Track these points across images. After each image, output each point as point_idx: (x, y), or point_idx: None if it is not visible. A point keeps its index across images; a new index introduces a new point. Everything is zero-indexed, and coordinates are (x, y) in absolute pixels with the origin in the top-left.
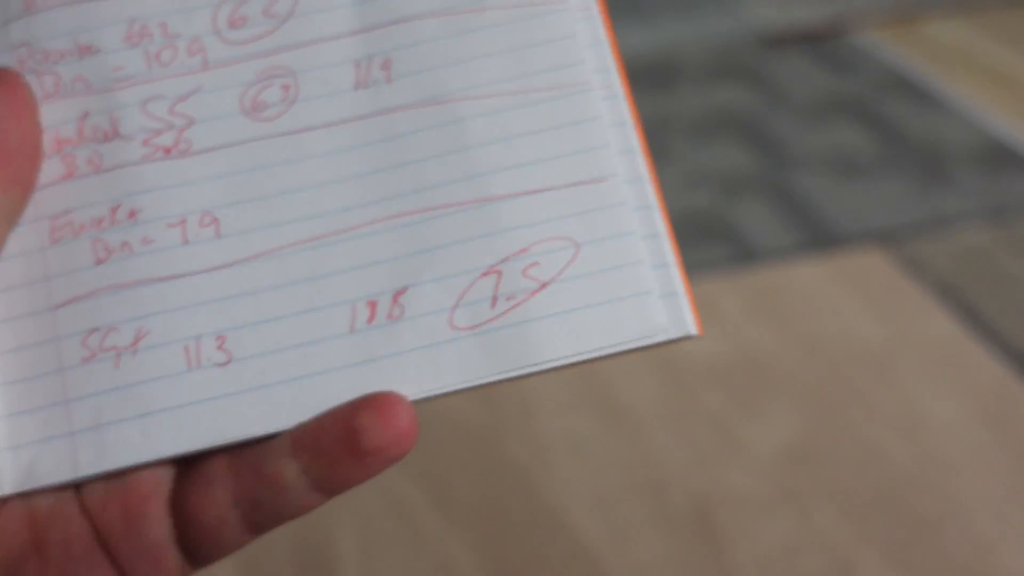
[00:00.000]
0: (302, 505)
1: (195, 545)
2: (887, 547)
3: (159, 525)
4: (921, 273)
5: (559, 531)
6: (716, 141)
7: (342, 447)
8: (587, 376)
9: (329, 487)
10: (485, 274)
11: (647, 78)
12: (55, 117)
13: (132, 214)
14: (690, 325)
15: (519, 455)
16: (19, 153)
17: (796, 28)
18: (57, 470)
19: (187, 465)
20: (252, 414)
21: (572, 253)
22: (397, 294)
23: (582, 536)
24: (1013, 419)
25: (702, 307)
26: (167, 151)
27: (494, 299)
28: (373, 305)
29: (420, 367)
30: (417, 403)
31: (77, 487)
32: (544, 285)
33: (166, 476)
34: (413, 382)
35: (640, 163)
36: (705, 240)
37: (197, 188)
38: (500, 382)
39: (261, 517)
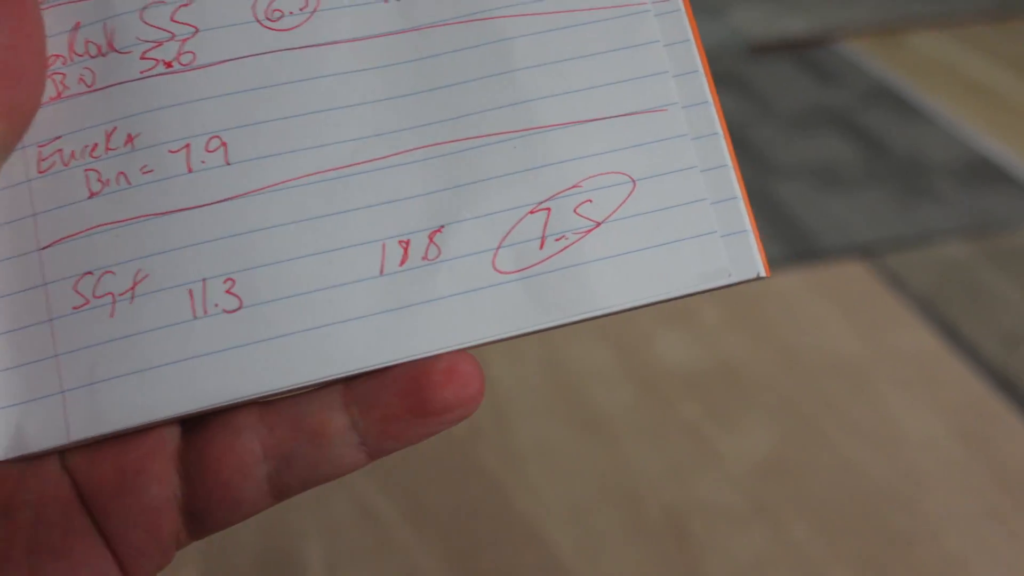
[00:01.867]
0: (343, 464)
1: (205, 507)
2: (860, 562)
3: (162, 483)
4: (901, 286)
5: (531, 542)
6: None
7: (406, 404)
8: (562, 384)
9: (381, 446)
10: (532, 212)
11: None
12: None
13: (129, 139)
14: (758, 265)
15: (491, 464)
16: (26, 75)
17: (783, 37)
18: (47, 434)
19: (207, 415)
20: (268, 367)
21: (628, 189)
22: (433, 233)
23: (554, 547)
24: (989, 436)
25: (680, 315)
26: (168, 65)
27: (542, 239)
28: (406, 245)
29: (459, 314)
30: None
31: None
32: (598, 224)
33: (172, 431)
34: (452, 331)
35: (703, 85)
36: None
37: (203, 108)
38: (548, 330)
39: (292, 476)
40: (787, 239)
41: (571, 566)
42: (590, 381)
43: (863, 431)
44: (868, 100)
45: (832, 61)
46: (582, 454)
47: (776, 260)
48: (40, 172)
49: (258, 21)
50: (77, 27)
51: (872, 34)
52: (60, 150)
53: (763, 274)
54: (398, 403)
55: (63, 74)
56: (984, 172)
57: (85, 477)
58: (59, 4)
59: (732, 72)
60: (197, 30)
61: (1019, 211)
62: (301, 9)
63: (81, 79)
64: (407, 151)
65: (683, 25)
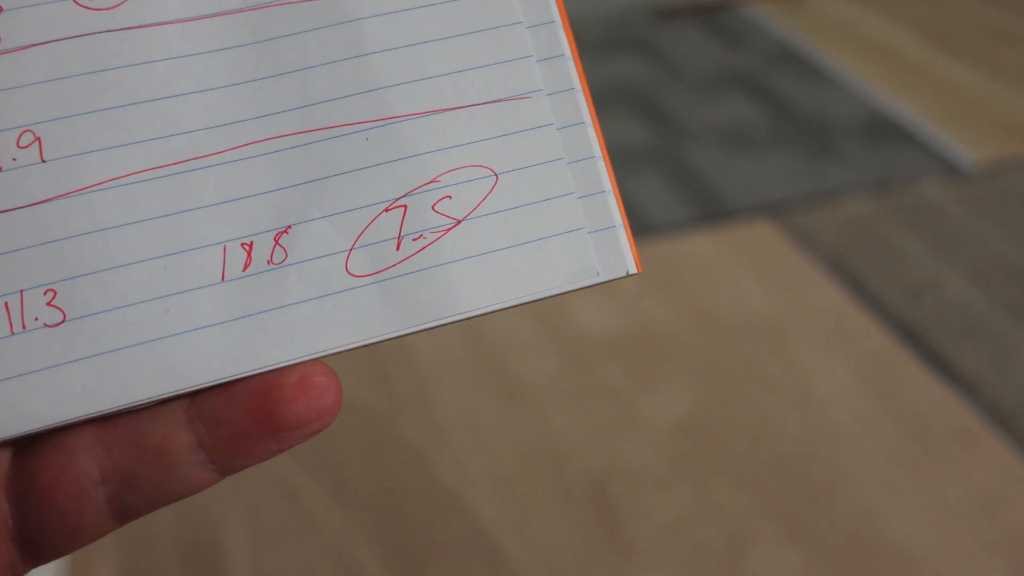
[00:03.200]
0: (189, 483)
1: (41, 535)
2: (780, 517)
3: None
4: (809, 244)
5: (458, 515)
6: (610, 114)
7: (254, 420)
8: (483, 353)
9: (229, 463)
10: (388, 209)
11: None
12: None
13: None
14: (629, 263)
15: (414, 438)
16: None
17: (689, 1)
18: None
19: (39, 435)
20: (98, 385)
21: (490, 184)
22: (279, 234)
23: (481, 519)
24: (897, 387)
25: None
26: None
27: (399, 239)
28: (249, 247)
29: (311, 322)
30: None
31: None
32: (458, 222)
33: (1, 453)
34: (303, 340)
35: (570, 71)
36: None
37: (12, 98)
38: (409, 335)
39: (135, 497)
40: (698, 201)
41: (498, 537)
42: (511, 350)
43: (778, 388)
44: (773, 62)
45: (737, 24)
46: (505, 424)
47: (688, 221)
48: None
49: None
50: None
51: None
52: None
53: (633, 271)
54: (247, 419)
55: None
56: (886, 130)
57: None
58: None
59: (639, 36)
60: (2, 9)
61: (919, 168)
62: None
63: None
64: (249, 144)
65: (548, 5)
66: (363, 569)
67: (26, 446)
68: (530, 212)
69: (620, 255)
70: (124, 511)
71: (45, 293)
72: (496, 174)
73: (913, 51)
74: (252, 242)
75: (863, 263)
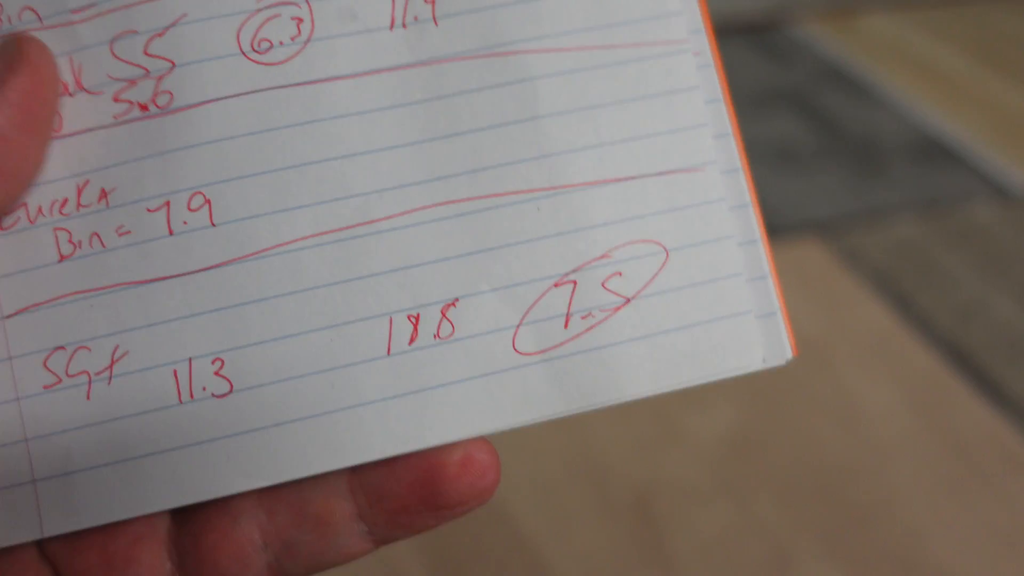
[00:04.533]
0: (347, 552)
1: None
2: (823, 536)
3: (154, 572)
4: (857, 264)
5: (500, 522)
6: None
7: (417, 496)
8: None
9: (387, 535)
10: (557, 284)
11: None
12: None
13: (103, 195)
14: (787, 350)
15: None
16: (28, 142)
17: (737, 19)
18: (17, 528)
19: None
20: (262, 460)
21: (661, 260)
22: (446, 307)
23: (524, 527)
24: (944, 408)
25: None
26: (143, 108)
27: (567, 317)
28: (416, 320)
29: (475, 400)
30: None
31: None
32: (628, 300)
33: (162, 514)
34: (467, 419)
35: (735, 150)
36: None
37: (184, 159)
38: (571, 416)
39: (294, 563)
40: None
41: (541, 545)
42: None
43: (823, 406)
44: (822, 81)
45: (786, 43)
46: (549, 433)
47: None
48: (2, 229)
49: (243, 54)
50: None
51: (824, 15)
52: (24, 204)
53: (791, 357)
54: (409, 495)
55: None
56: (935, 152)
57: (67, 566)
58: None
59: None
60: (174, 65)
61: (968, 189)
62: (292, 39)
63: None
64: (418, 210)
65: (714, 82)
66: (405, 572)
67: (188, 507)
68: (699, 292)
69: (781, 341)
70: (284, 574)
71: (213, 362)
72: (667, 250)
73: (963, 71)
74: (419, 314)
75: (911, 284)
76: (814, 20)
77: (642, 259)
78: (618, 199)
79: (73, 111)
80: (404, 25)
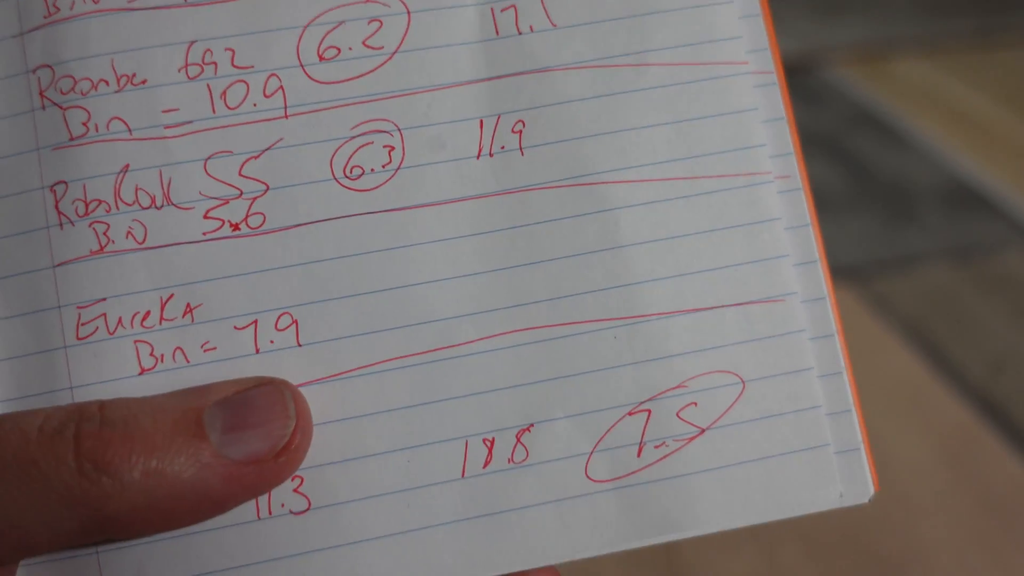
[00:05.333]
0: None
1: None
2: None
3: None
4: (887, 311)
5: None
6: None
7: None
8: None
9: None
10: (632, 413)
11: None
12: (84, 168)
13: (188, 310)
14: (869, 488)
15: None
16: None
17: None
18: None
19: None
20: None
21: (737, 391)
22: (522, 431)
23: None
24: (975, 461)
25: None
26: (235, 227)
27: (640, 445)
28: (491, 444)
29: (546, 528)
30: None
31: None
32: (702, 431)
33: None
34: (538, 546)
35: (821, 279)
36: None
37: (273, 279)
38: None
39: None
40: None
41: None
42: None
43: None
44: (853, 125)
45: (818, 86)
46: None
47: None
48: (79, 339)
49: (336, 179)
50: (126, 170)
51: (857, 60)
52: (104, 315)
53: (873, 495)
54: None
55: (106, 224)
56: (967, 198)
57: None
58: (107, 141)
59: None
60: (268, 188)
61: (1000, 237)
62: (384, 166)
63: (130, 233)
64: (498, 335)
65: (802, 207)
66: None
67: None
68: (775, 424)
69: (863, 478)
70: None
71: (293, 479)
72: (744, 381)
73: (996, 117)
74: (494, 438)
75: (942, 333)
76: (846, 64)
77: (718, 390)
78: (696, 329)
79: (160, 224)
80: (491, 154)
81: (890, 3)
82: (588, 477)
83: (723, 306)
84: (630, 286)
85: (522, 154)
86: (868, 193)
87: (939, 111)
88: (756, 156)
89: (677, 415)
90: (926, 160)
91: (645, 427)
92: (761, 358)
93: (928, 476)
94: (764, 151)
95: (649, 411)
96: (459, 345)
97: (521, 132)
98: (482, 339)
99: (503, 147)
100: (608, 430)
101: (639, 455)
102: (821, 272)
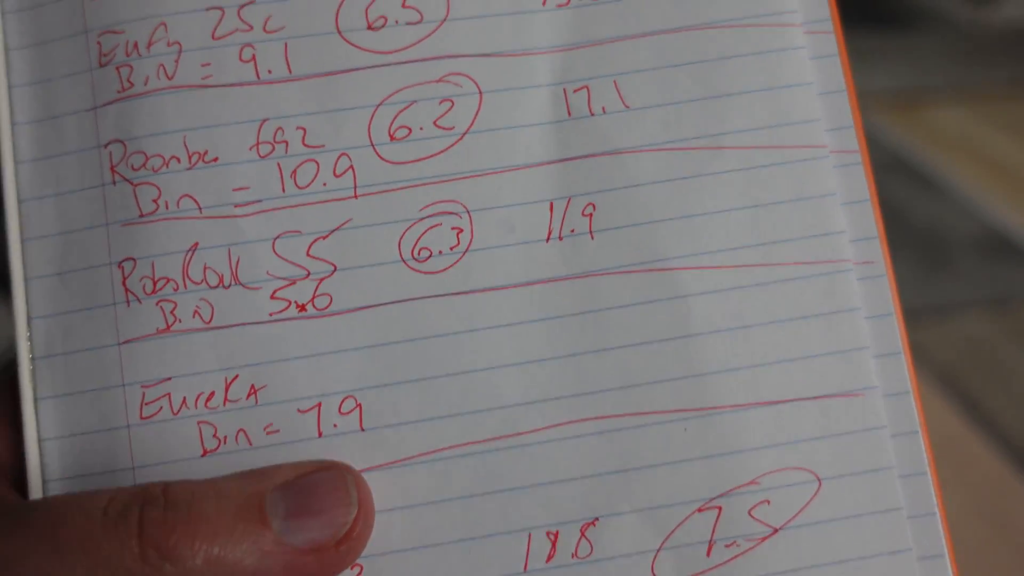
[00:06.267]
0: None
1: None
2: None
3: None
4: (922, 361)
5: None
6: None
7: None
8: None
9: None
10: (701, 509)
11: None
12: (152, 245)
13: (252, 391)
14: None
15: None
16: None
17: None
18: None
19: None
20: None
21: (813, 489)
22: (586, 525)
23: None
24: (1012, 516)
25: None
26: (301, 308)
27: (710, 544)
28: (555, 537)
29: None
30: None
31: None
32: (775, 531)
33: None
34: None
35: (904, 372)
36: None
37: (339, 361)
38: None
39: None
40: None
41: None
42: None
43: None
44: (887, 172)
45: None
46: None
47: None
48: (143, 418)
49: (403, 261)
50: (194, 248)
51: (891, 106)
52: (168, 394)
53: None
54: None
55: (174, 303)
56: (1002, 246)
57: None
58: (177, 219)
59: None
60: (335, 268)
61: None
62: (452, 248)
63: (196, 312)
64: (564, 424)
65: (885, 296)
66: None
67: None
68: (853, 526)
69: None
70: None
71: (352, 567)
72: (820, 479)
73: None
74: (558, 531)
75: (978, 383)
76: (880, 110)
77: (793, 487)
78: (770, 423)
79: (227, 304)
80: (560, 237)
81: (925, 50)
82: (655, 575)
83: (799, 399)
84: (702, 376)
85: (592, 238)
86: (902, 240)
87: (974, 159)
88: (836, 243)
89: (749, 513)
90: (961, 208)
91: (715, 525)
92: (839, 455)
93: (963, 529)
94: (844, 237)
95: (720, 508)
96: (524, 433)
97: (592, 215)
98: (548, 428)
99: (573, 230)
100: (677, 527)
101: (708, 554)
102: (904, 365)
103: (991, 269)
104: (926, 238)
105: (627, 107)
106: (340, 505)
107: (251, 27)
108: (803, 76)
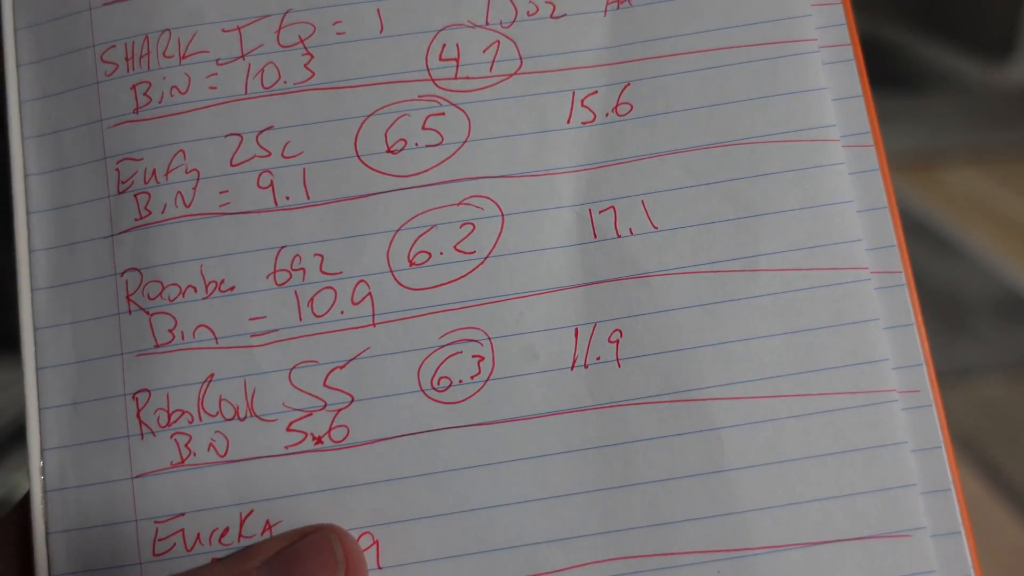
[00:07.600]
0: None
1: None
2: None
3: None
4: None
5: None
6: None
7: None
8: None
9: None
10: None
11: None
12: (167, 376)
13: (268, 527)
14: None
15: None
16: None
17: None
18: None
19: None
20: None
21: None
22: None
23: None
24: None
25: None
26: (318, 440)
27: None
28: None
29: None
30: None
31: None
32: None
33: None
34: None
35: (955, 510)
36: None
37: (353, 496)
38: None
39: None
40: None
41: None
42: None
43: None
44: (904, 234)
45: None
46: None
47: None
48: (155, 555)
49: (423, 391)
50: (210, 379)
51: (907, 168)
52: (182, 530)
53: None
54: None
55: (189, 435)
56: (1021, 309)
57: None
58: (192, 350)
59: None
60: (352, 399)
61: None
62: (472, 377)
63: (212, 445)
64: (590, 563)
65: (933, 428)
66: None
67: None
68: None
69: None
70: None
71: None
72: None
73: None
74: None
75: (999, 449)
76: (895, 172)
77: None
78: (810, 565)
79: (242, 437)
80: (586, 366)
81: (939, 112)
82: None
83: (841, 540)
84: (735, 515)
85: (619, 366)
86: (920, 303)
87: (990, 220)
88: (878, 371)
89: None
90: (978, 270)
91: None
92: None
93: None
94: (887, 365)
95: None
96: (548, 574)
97: (618, 342)
98: (572, 568)
99: (599, 358)
100: None
101: None
102: (955, 502)
103: (1010, 332)
104: (944, 301)
105: (655, 228)
106: (325, 568)
107: (269, 153)
108: (842, 193)
